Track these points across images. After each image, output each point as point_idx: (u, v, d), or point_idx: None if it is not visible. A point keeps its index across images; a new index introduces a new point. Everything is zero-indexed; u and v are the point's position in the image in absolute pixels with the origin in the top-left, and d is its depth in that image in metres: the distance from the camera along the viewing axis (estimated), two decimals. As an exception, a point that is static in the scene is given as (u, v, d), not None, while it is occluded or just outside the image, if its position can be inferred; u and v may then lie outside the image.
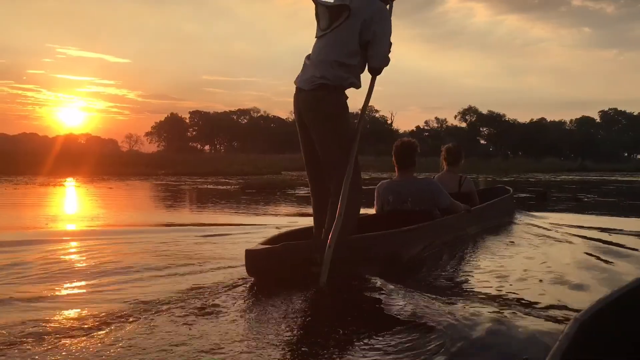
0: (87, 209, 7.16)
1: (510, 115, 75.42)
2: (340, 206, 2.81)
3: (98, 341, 1.82)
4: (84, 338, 1.85)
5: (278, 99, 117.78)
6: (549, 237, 4.48)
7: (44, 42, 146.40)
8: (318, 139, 2.97)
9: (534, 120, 74.79)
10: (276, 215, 6.54)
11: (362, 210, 3.35)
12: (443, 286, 2.73)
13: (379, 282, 2.52)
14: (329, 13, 2.93)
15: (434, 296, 2.32)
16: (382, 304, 2.20)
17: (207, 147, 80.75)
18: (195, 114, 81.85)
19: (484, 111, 72.52)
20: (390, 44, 2.99)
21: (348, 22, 2.87)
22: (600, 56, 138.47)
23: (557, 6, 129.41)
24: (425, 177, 4.39)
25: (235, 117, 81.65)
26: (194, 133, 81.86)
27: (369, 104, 3.21)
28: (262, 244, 2.88)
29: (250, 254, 2.71)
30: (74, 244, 4.03)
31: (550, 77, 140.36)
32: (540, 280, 2.82)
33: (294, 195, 10.26)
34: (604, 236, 4.56)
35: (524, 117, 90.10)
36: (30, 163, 17.88)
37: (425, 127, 75.79)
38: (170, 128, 78.45)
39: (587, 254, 3.66)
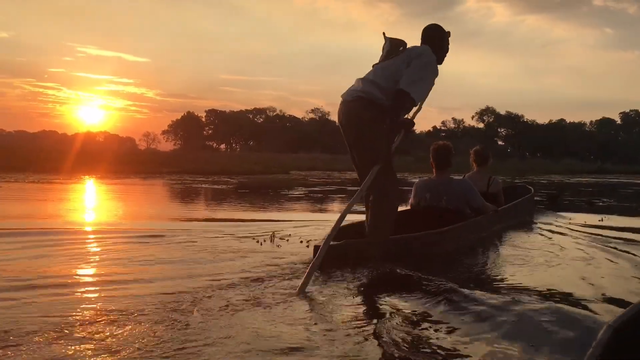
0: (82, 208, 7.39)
1: (529, 116, 75.19)
2: (347, 206, 3.18)
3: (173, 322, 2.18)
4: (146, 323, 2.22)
5: (296, 98, 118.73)
6: (571, 235, 4.77)
7: (64, 41, 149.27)
8: (354, 143, 3.39)
9: (553, 121, 74.40)
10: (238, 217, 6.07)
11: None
12: (484, 279, 3.07)
13: (445, 283, 2.64)
14: (390, 46, 3.42)
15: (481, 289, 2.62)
16: (451, 304, 2.36)
17: (222, 146, 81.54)
18: (211, 112, 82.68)
19: (502, 112, 72.36)
20: (428, 88, 3.35)
21: (401, 56, 3.34)
22: (622, 57, 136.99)
23: (579, 6, 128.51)
24: (461, 179, 4.71)
25: (251, 116, 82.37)
26: (209, 132, 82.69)
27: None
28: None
29: (318, 250, 3.06)
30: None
31: (570, 77, 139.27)
32: (583, 278, 3.04)
33: (287, 195, 10.08)
34: (621, 234, 4.84)
35: (542, 118, 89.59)
36: (47, 160, 18.00)
37: (442, 128, 75.79)
38: (187, 127, 79.38)
39: (600, 247, 3.99)
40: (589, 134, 73.68)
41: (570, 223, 5.73)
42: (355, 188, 3.87)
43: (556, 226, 5.46)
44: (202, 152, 44.30)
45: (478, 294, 2.41)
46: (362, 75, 3.44)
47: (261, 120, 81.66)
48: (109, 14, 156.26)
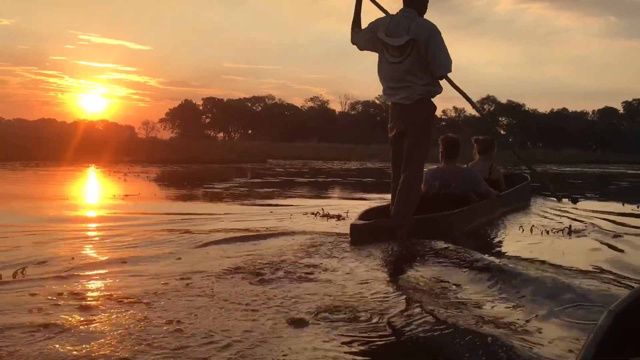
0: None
1: (531, 105, 75.76)
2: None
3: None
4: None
5: (298, 86, 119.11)
6: (566, 216, 5.45)
7: (67, 29, 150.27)
8: (411, 137, 3.97)
9: (555, 110, 75.04)
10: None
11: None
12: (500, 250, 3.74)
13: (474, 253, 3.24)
14: (398, 50, 3.91)
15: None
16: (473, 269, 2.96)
17: (220, 135, 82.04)
18: (208, 100, 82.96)
19: (503, 100, 72.99)
20: (448, 53, 3.93)
21: (417, 49, 3.87)
22: (626, 46, 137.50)
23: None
24: (467, 167, 5.37)
25: (250, 104, 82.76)
26: (207, 120, 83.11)
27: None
28: (359, 219, 3.96)
29: (354, 227, 3.73)
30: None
31: (574, 66, 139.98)
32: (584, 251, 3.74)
33: (209, 189, 8.54)
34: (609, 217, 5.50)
35: (544, 108, 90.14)
36: (45, 149, 17.92)
37: (443, 117, 76.36)
38: (184, 115, 79.77)
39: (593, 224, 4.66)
40: (592, 123, 74.34)
41: (559, 207, 6.49)
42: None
43: (550, 209, 6.23)
44: (193, 141, 44.53)
45: (499, 261, 3.04)
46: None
47: (259, 108, 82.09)
48: (112, 2, 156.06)
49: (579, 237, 4.29)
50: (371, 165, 20.99)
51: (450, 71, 3.98)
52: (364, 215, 4.16)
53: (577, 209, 6.30)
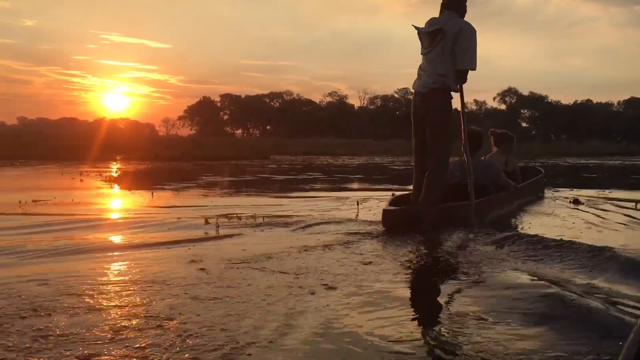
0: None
1: (554, 97, 75.05)
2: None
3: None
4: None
5: (318, 82, 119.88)
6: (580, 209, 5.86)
7: (89, 28, 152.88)
8: (429, 127, 4.35)
9: (579, 102, 74.41)
10: None
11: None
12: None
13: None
14: (428, 37, 4.31)
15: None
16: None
17: (239, 132, 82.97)
18: (226, 97, 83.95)
19: (525, 92, 72.56)
20: (475, 54, 4.25)
21: (443, 41, 4.24)
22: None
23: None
24: (488, 160, 5.80)
25: (267, 100, 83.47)
26: (225, 117, 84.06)
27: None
28: (390, 205, 4.45)
29: (386, 213, 4.20)
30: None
31: (598, 57, 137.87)
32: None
33: (165, 188, 8.00)
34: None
35: (568, 100, 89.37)
36: (66, 148, 18.47)
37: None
38: (203, 112, 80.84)
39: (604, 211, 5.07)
40: (616, 114, 73.54)
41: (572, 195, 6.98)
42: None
43: (564, 198, 6.72)
44: (210, 137, 45.19)
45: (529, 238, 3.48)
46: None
47: (277, 104, 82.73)
48: (132, 1, 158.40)
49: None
50: (376, 161, 20.58)
51: (473, 68, 4.27)
52: (394, 202, 4.69)
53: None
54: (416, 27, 4.42)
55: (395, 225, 4.13)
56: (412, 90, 4.54)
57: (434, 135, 4.36)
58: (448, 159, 4.49)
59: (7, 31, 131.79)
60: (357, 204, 5.79)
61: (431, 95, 4.30)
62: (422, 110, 4.38)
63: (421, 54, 4.44)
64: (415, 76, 4.48)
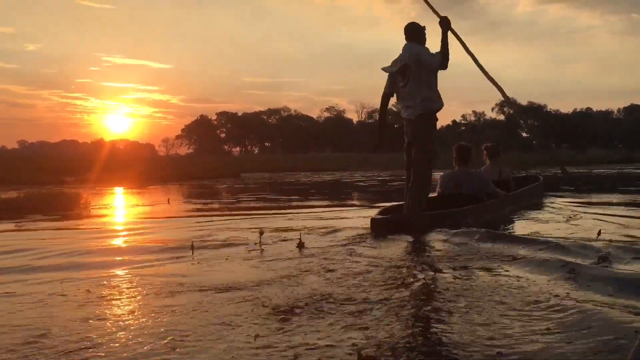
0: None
1: (554, 106, 75.88)
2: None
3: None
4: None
5: (319, 98, 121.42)
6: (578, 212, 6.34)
7: (90, 51, 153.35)
8: (415, 146, 5.03)
9: (579, 110, 75.21)
10: None
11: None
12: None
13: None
14: (400, 75, 5.03)
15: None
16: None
17: (236, 149, 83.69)
18: (222, 114, 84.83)
19: (524, 102, 73.29)
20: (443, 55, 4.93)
21: (413, 72, 4.94)
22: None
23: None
24: (476, 171, 6.34)
25: (265, 117, 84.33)
26: (222, 135, 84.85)
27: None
28: (379, 214, 5.03)
29: (374, 221, 4.75)
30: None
31: (597, 65, 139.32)
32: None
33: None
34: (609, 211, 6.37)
35: (568, 108, 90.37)
36: (64, 170, 18.50)
37: (462, 122, 76.97)
38: (200, 130, 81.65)
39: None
40: (617, 121, 74.26)
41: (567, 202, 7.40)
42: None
43: (559, 203, 7.20)
44: (209, 156, 45.70)
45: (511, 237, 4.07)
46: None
47: (275, 120, 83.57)
48: (133, 23, 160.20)
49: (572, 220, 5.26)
50: (354, 177, 20.04)
51: (444, 67, 4.95)
52: (382, 211, 5.28)
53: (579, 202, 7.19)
54: (385, 69, 5.17)
55: (383, 232, 4.63)
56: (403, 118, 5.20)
57: (420, 151, 5.06)
58: (429, 171, 5.11)
59: (9, 56, 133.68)
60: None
61: (418, 121, 5.01)
62: (411, 133, 5.09)
63: (400, 87, 5.11)
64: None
